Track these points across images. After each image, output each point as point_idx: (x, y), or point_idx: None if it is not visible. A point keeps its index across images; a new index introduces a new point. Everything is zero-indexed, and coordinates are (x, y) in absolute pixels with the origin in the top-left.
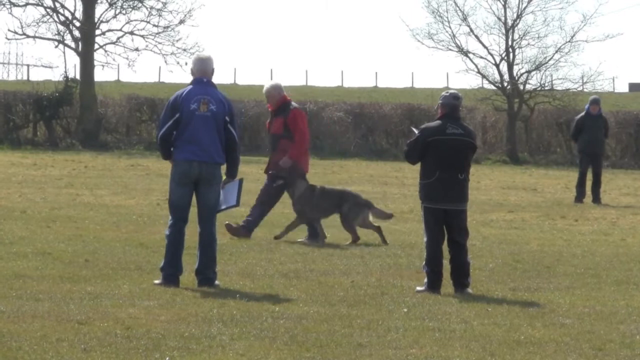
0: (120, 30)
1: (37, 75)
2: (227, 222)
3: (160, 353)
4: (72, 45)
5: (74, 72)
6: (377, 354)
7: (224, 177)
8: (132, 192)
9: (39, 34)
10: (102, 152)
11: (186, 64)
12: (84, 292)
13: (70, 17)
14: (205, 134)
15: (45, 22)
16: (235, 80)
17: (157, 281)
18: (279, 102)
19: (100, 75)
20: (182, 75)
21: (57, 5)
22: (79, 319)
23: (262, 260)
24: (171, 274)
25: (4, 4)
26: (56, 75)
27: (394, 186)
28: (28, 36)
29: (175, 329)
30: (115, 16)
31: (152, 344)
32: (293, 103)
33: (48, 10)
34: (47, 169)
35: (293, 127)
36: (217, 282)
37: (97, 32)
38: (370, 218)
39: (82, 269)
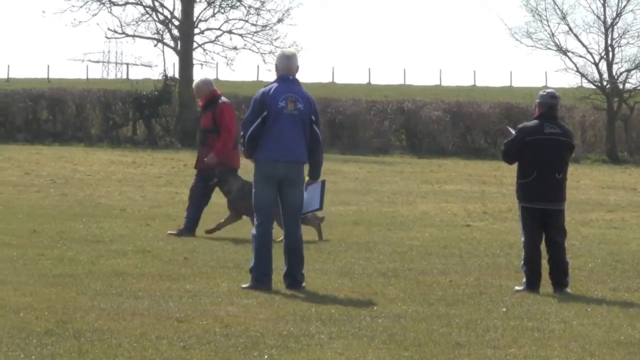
0: (219, 29)
1: (137, 74)
2: (169, 231)
3: (258, 351)
4: (171, 44)
5: (173, 70)
6: (475, 354)
7: (306, 178)
8: None
9: (139, 32)
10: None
11: None
12: (183, 290)
13: (169, 16)
14: (292, 133)
15: (145, 21)
16: (333, 79)
17: (244, 285)
18: (208, 96)
19: (199, 73)
20: None
21: (157, 4)
22: (178, 316)
23: (360, 259)
24: (262, 274)
25: (103, 3)
26: (155, 74)
27: (492, 185)
28: (127, 35)
29: (274, 327)
30: (213, 15)
31: (250, 342)
32: (222, 98)
33: (147, 9)
34: (146, 167)
35: (220, 121)
36: (304, 284)
37: (196, 31)
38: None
39: (181, 267)
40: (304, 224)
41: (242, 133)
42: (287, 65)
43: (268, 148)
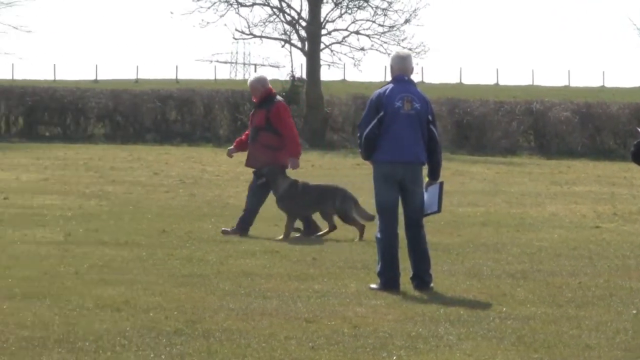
0: (346, 29)
1: (264, 74)
2: (222, 229)
3: (387, 352)
4: (299, 44)
5: (301, 71)
6: (605, 356)
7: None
8: (359, 192)
9: (266, 33)
10: (328, 151)
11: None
12: (311, 291)
13: (296, 17)
14: (409, 133)
15: (272, 21)
16: (460, 80)
17: (373, 285)
18: (263, 94)
19: (326, 74)
20: None
21: (284, 5)
22: (306, 317)
23: (488, 260)
24: (391, 277)
25: (231, 4)
26: (283, 75)
27: (622, 187)
28: (255, 36)
29: (402, 328)
30: (340, 16)
31: (379, 343)
32: (278, 97)
33: (275, 10)
34: None
35: (277, 121)
36: (432, 285)
37: (323, 31)
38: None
39: (309, 267)
40: (348, 224)
41: (358, 135)
42: (402, 66)
43: (386, 149)
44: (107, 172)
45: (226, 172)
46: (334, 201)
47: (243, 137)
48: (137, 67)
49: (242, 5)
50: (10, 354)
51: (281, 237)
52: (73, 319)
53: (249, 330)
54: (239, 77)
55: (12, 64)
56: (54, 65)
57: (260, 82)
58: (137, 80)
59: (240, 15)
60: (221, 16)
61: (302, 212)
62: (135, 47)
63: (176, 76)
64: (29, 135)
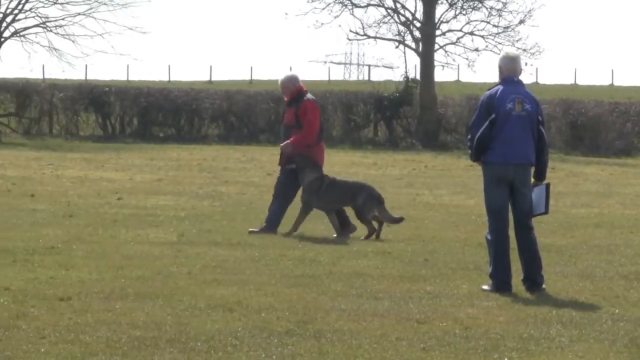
0: (460, 30)
1: (378, 75)
2: (250, 229)
3: (499, 354)
4: (413, 45)
5: (414, 72)
6: None
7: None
8: (472, 192)
9: (380, 34)
10: (441, 152)
11: (526, 64)
12: (423, 292)
13: (410, 18)
14: (520, 135)
15: (386, 22)
16: (575, 81)
17: (485, 287)
18: (293, 93)
19: (440, 75)
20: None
21: (398, 6)
22: (418, 318)
23: (601, 261)
24: (502, 279)
25: (345, 5)
26: (397, 76)
27: None
28: (369, 37)
29: (514, 329)
30: (455, 17)
31: (490, 345)
32: (308, 95)
33: (389, 10)
34: (387, 168)
35: (303, 118)
36: (543, 286)
37: (437, 32)
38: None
39: (421, 268)
40: (361, 223)
41: (469, 136)
42: (511, 67)
43: (497, 150)
44: (220, 173)
45: (339, 173)
46: (356, 198)
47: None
48: (252, 67)
49: (356, 6)
50: (123, 354)
51: (289, 230)
52: (185, 319)
53: (360, 331)
54: (353, 78)
55: (127, 65)
56: (169, 66)
57: (292, 80)
58: (251, 81)
59: (354, 16)
60: (335, 17)
61: (324, 206)
62: (249, 48)
63: None
64: (143, 136)
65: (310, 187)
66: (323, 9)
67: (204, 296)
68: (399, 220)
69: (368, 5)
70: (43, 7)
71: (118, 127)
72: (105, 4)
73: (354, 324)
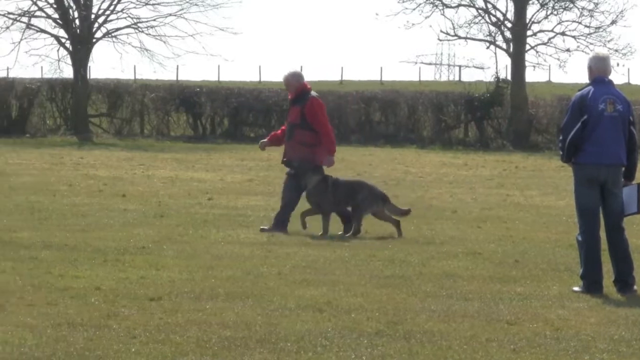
0: (552, 31)
1: (469, 75)
2: (261, 227)
3: (589, 355)
4: (504, 46)
5: (505, 72)
6: None
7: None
8: (563, 193)
9: (471, 35)
10: (532, 153)
11: (617, 65)
12: (513, 293)
13: (501, 18)
14: (612, 135)
15: (477, 23)
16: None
17: (576, 288)
18: (298, 90)
19: (531, 75)
20: (615, 77)
21: (489, 6)
22: (508, 319)
23: None
24: (594, 280)
25: (436, 5)
26: (487, 76)
27: None
28: (460, 37)
29: (605, 331)
30: (546, 17)
31: (581, 346)
32: (312, 92)
33: (480, 11)
34: (477, 169)
35: (311, 118)
36: (635, 287)
37: (528, 32)
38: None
39: (511, 269)
40: (380, 220)
41: (561, 137)
42: (602, 67)
43: (590, 151)
44: None
45: (429, 173)
46: (357, 196)
47: (278, 132)
48: (342, 68)
49: (447, 6)
50: (213, 354)
51: (320, 233)
52: (275, 319)
53: (450, 332)
54: (444, 78)
55: (218, 66)
56: (259, 66)
57: (295, 77)
58: (341, 82)
59: (445, 17)
60: (426, 17)
61: (331, 207)
62: (340, 48)
63: (380, 77)
64: (233, 137)
65: (319, 189)
66: (414, 9)
67: (294, 296)
68: (407, 212)
69: (459, 5)
70: (134, 8)
71: (209, 128)
72: (196, 4)
73: (444, 325)
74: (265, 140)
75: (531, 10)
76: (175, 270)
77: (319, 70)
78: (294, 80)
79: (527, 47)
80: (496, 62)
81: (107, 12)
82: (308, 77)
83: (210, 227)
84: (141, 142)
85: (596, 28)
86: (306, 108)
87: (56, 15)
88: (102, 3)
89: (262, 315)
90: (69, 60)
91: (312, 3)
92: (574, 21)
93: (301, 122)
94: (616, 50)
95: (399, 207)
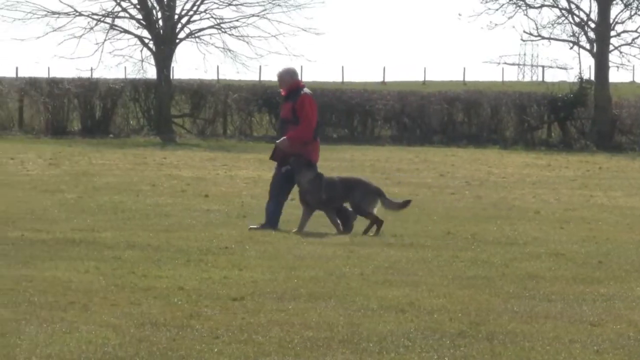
0: (636, 31)
1: (552, 76)
2: (250, 226)
3: None
4: (587, 46)
5: (589, 73)
6: None
7: None
8: None
9: (554, 35)
10: (616, 154)
11: None
12: (596, 294)
13: (585, 19)
14: None
15: (560, 23)
16: None
17: None
18: (291, 86)
19: (615, 76)
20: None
21: (572, 6)
22: (591, 320)
23: None
24: None
25: (519, 6)
26: (570, 77)
27: None
28: (543, 37)
29: None
30: (630, 17)
31: None
32: (305, 89)
33: (563, 11)
34: (560, 170)
35: (300, 112)
36: None
37: (612, 33)
38: (378, 207)
39: (595, 270)
40: (364, 217)
41: None
42: None
43: None
44: (393, 174)
45: (512, 174)
46: (353, 194)
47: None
48: (425, 68)
49: (530, 7)
50: (295, 354)
51: (296, 229)
52: (357, 319)
53: (533, 333)
54: (527, 79)
55: (301, 66)
56: (342, 67)
57: (289, 73)
58: (424, 82)
59: (528, 17)
60: (509, 18)
61: (324, 205)
62: (422, 49)
63: (463, 78)
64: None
65: (312, 186)
66: (497, 9)
67: (376, 297)
68: (406, 204)
69: (542, 6)
70: (218, 8)
71: None
72: (279, 5)
73: (527, 326)
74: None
75: (615, 10)
76: (257, 270)
77: (402, 70)
78: (288, 76)
79: (611, 47)
80: (579, 62)
81: (190, 13)
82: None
83: (293, 227)
84: (224, 143)
85: None
86: (297, 104)
87: (140, 16)
88: (185, 3)
89: (344, 316)
90: (152, 61)
91: (395, 3)
92: None
93: (293, 118)
94: None
95: (396, 200)
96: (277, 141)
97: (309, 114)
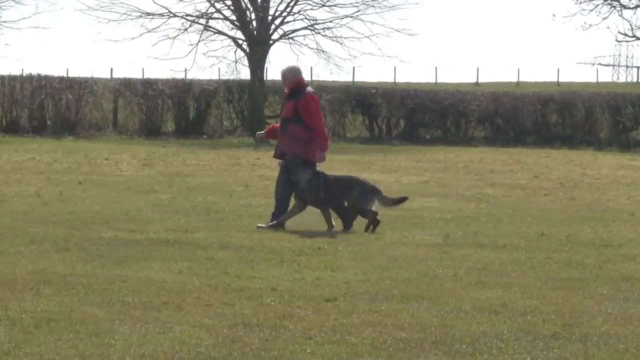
0: None
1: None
2: (258, 225)
3: None
4: None
5: None
6: None
7: None
8: None
9: None
10: None
11: None
12: None
13: None
14: None
15: None
16: None
17: None
18: (294, 85)
19: None
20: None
21: None
22: None
23: None
24: None
25: (614, 7)
26: None
27: None
28: (638, 38)
29: None
30: None
31: None
32: (308, 88)
33: None
34: None
35: (304, 113)
36: None
37: None
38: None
39: None
40: (362, 217)
41: None
42: None
43: None
44: (486, 175)
45: (606, 175)
46: (351, 193)
47: (277, 125)
48: (518, 69)
49: (625, 7)
50: (388, 355)
51: (270, 223)
52: (450, 321)
53: (627, 335)
54: (621, 80)
55: (395, 67)
56: (436, 68)
57: (292, 71)
58: (518, 83)
59: (623, 18)
60: (604, 18)
61: (321, 204)
62: (516, 50)
63: (557, 79)
64: (409, 138)
65: (310, 185)
66: (591, 10)
67: (469, 298)
68: (402, 200)
69: (637, 6)
70: (311, 9)
71: (384, 129)
72: (372, 6)
73: (621, 328)
74: (262, 132)
75: None
76: (350, 271)
77: (496, 71)
78: (291, 74)
79: None
80: None
81: (284, 14)
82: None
83: (386, 228)
84: None
85: None
86: (300, 103)
87: (233, 17)
88: (279, 4)
89: (437, 317)
90: (246, 62)
91: (490, 4)
92: None
93: (294, 117)
94: None
95: (392, 196)
96: (316, 159)
97: (314, 115)
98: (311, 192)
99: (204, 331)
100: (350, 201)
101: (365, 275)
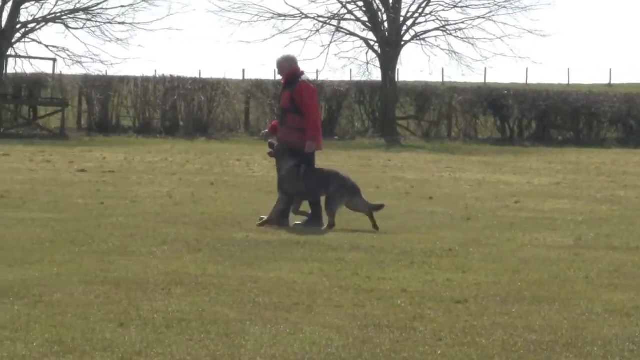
0: None
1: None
2: (257, 222)
3: None
4: None
5: None
6: None
7: None
8: None
9: None
10: None
11: None
12: None
13: None
14: None
15: None
16: None
17: None
18: (289, 74)
19: None
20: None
21: None
22: None
23: None
24: None
25: None
26: None
27: None
28: None
29: None
30: None
31: None
32: (303, 77)
33: None
34: None
35: (299, 101)
36: None
37: None
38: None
39: None
40: (354, 211)
41: None
42: None
43: None
44: (619, 177)
45: None
46: (328, 187)
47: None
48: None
49: None
50: (519, 357)
51: (264, 217)
52: (581, 323)
53: None
54: None
55: (527, 68)
56: (568, 69)
57: (287, 60)
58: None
59: None
60: None
61: (301, 196)
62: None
63: None
64: (541, 140)
65: (290, 174)
66: None
67: (601, 301)
68: (378, 207)
69: None
70: (443, 10)
71: (516, 130)
72: (505, 7)
73: None
74: (267, 130)
75: None
76: (481, 273)
77: (629, 72)
78: (287, 64)
79: None
80: None
81: (416, 15)
82: (617, 80)
83: (517, 230)
84: (448, 145)
85: None
86: (295, 92)
87: (365, 19)
88: (410, 6)
89: (568, 319)
90: (377, 63)
91: (622, 4)
92: None
93: (291, 107)
94: None
95: (370, 202)
96: (306, 148)
97: (309, 104)
98: (290, 181)
99: (335, 332)
100: (326, 195)
101: (496, 277)
